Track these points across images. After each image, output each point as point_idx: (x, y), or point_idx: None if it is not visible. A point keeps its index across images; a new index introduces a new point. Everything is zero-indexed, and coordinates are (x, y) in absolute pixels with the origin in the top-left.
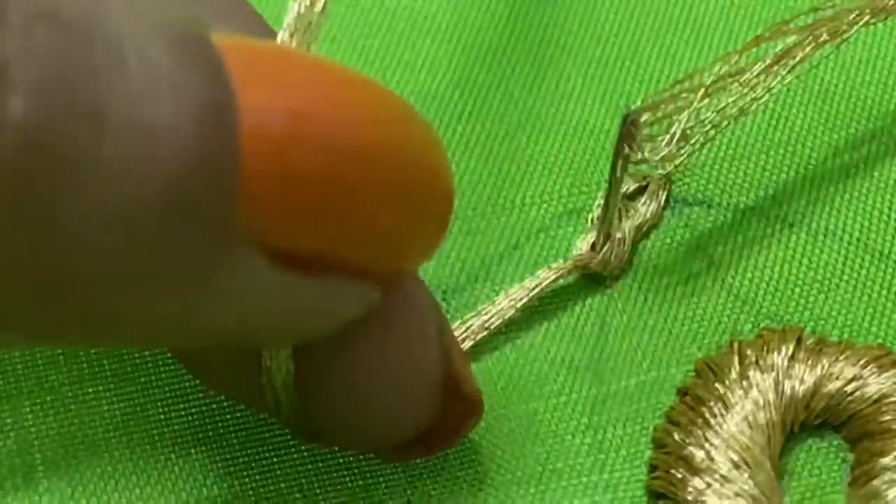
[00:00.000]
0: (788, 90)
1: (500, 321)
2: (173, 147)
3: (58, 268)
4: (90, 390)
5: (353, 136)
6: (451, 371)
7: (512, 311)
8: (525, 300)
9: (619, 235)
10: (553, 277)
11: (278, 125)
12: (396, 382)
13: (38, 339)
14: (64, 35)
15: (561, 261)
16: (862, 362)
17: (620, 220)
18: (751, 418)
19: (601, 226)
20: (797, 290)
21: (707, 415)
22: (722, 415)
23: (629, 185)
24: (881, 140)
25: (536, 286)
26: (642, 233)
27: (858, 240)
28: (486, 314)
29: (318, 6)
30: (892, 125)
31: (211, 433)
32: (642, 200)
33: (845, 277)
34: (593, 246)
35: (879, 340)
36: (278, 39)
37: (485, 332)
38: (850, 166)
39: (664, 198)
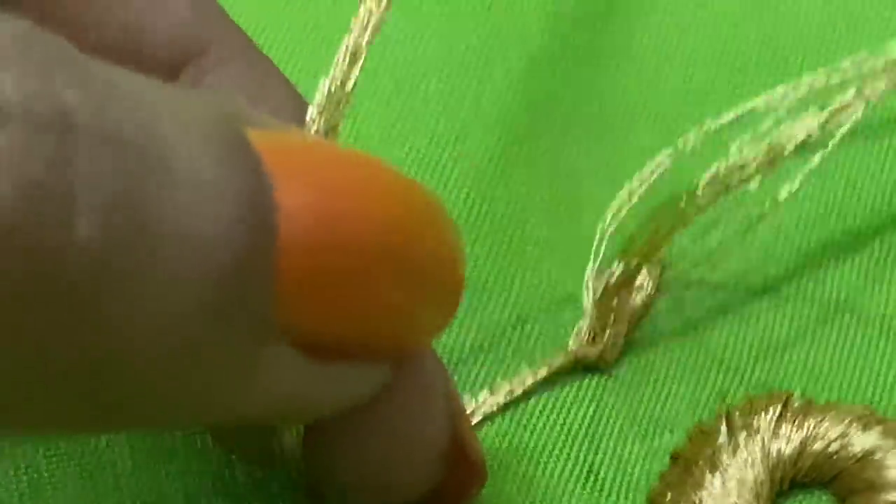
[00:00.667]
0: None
1: (494, 409)
2: (218, 255)
3: (103, 371)
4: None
5: (384, 234)
6: (458, 438)
7: (509, 398)
8: (523, 388)
9: (615, 331)
10: (552, 369)
11: (313, 227)
12: (403, 450)
13: (68, 431)
14: (125, 157)
15: (561, 356)
16: (847, 421)
17: (615, 311)
18: (738, 477)
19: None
20: (785, 357)
21: (697, 475)
22: (711, 474)
23: (624, 274)
24: (864, 206)
25: (534, 377)
26: (636, 320)
27: (845, 305)
28: (484, 400)
29: (348, 86)
30: (875, 191)
31: (221, 484)
32: (636, 290)
33: (832, 343)
34: (590, 338)
35: (866, 401)
36: (307, 116)
37: (480, 418)
38: (835, 233)
39: (657, 284)
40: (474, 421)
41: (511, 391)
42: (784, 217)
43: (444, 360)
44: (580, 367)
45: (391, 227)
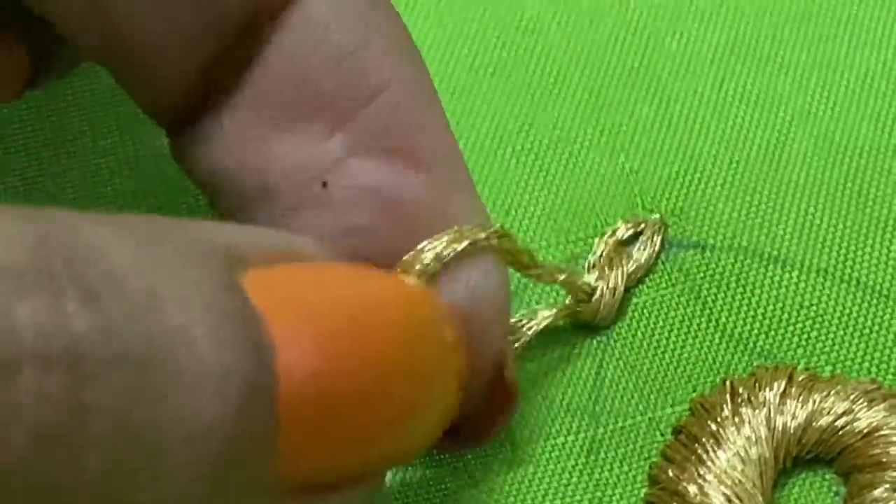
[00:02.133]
0: (783, 129)
1: None
2: (221, 439)
3: None
4: None
5: (384, 370)
6: (501, 364)
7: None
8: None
9: (611, 285)
10: (543, 321)
11: (311, 388)
12: None
13: None
14: (131, 376)
15: (554, 308)
16: (853, 397)
17: (613, 268)
18: (743, 453)
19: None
20: (790, 328)
21: (700, 451)
22: (714, 451)
23: (624, 231)
24: (875, 177)
25: (531, 323)
26: (635, 279)
27: (850, 276)
28: None
29: None
30: (885, 161)
31: None
32: (637, 246)
33: (837, 314)
34: (584, 296)
35: (871, 376)
36: None
37: None
38: (844, 202)
39: (659, 244)
40: None
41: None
42: (793, 189)
43: None
44: (580, 326)
45: (386, 359)
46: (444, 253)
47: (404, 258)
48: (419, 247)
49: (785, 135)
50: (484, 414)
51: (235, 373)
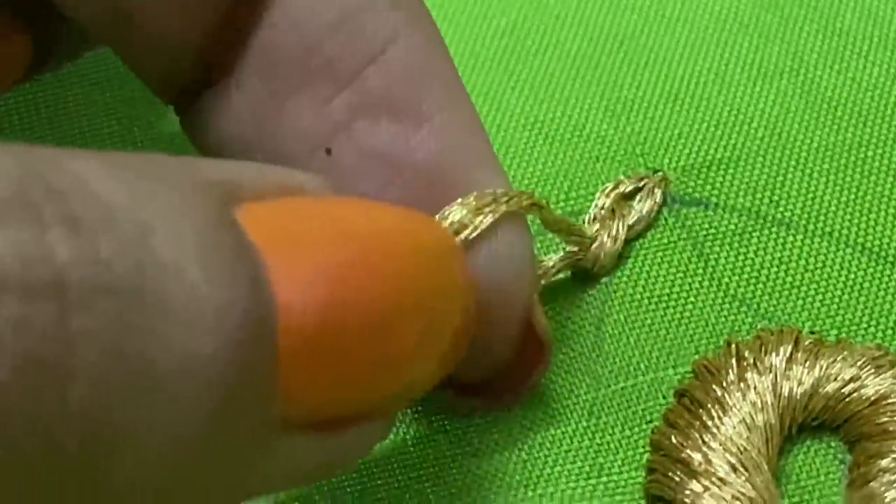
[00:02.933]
0: (786, 94)
1: None
2: (218, 376)
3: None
4: None
5: (385, 303)
6: (531, 317)
7: None
8: None
9: (611, 233)
10: (544, 270)
11: (313, 318)
12: (480, 330)
13: None
14: (120, 306)
15: (553, 256)
16: (860, 363)
17: (614, 218)
18: (748, 420)
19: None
20: (794, 290)
21: (704, 417)
22: (719, 417)
23: (626, 185)
24: (878, 143)
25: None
26: (637, 231)
27: (856, 241)
28: None
29: None
30: (888, 130)
31: None
32: (638, 198)
33: (842, 278)
34: (585, 243)
35: (877, 341)
36: None
37: None
38: (848, 168)
39: (660, 197)
40: None
41: None
42: (797, 152)
43: None
44: (580, 280)
45: (391, 293)
46: (467, 221)
47: None
48: (438, 215)
49: (787, 104)
50: (517, 368)
51: (231, 306)
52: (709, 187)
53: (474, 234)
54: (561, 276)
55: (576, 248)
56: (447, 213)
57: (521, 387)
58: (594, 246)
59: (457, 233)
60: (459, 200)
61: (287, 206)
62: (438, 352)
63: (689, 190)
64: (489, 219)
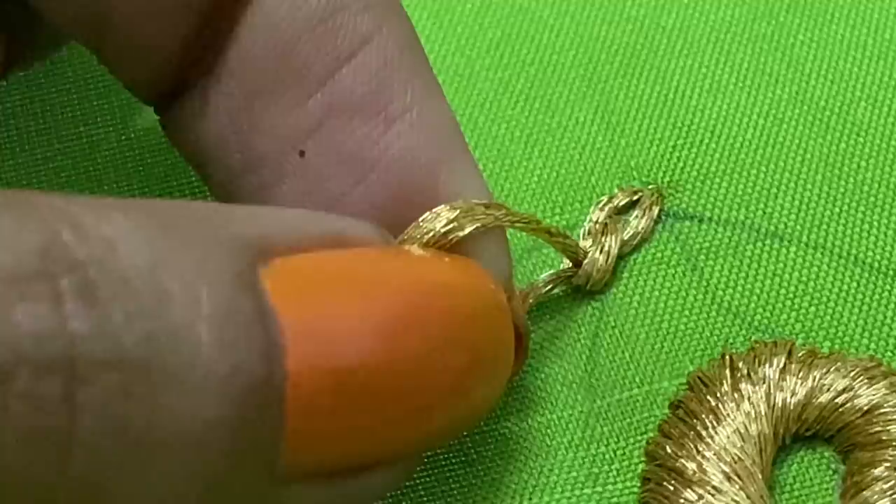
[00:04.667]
0: (780, 103)
1: None
2: (217, 438)
3: None
4: None
5: (404, 381)
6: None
7: None
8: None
9: (603, 249)
10: (540, 290)
11: (324, 388)
12: None
13: None
14: (124, 375)
15: (545, 274)
16: (853, 374)
17: (608, 233)
18: (742, 430)
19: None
20: (788, 302)
21: (699, 427)
22: (713, 427)
23: (620, 199)
24: (872, 154)
25: (525, 297)
26: (632, 246)
27: (849, 252)
28: None
29: None
30: (881, 140)
31: None
32: (633, 214)
33: (836, 290)
34: (578, 260)
35: (870, 352)
36: None
37: None
38: (841, 179)
39: (656, 212)
40: None
41: None
42: (791, 164)
43: None
44: (574, 296)
45: (422, 356)
46: (444, 230)
47: (404, 234)
48: (416, 222)
49: (781, 115)
50: None
51: (239, 372)
52: (703, 201)
53: (452, 243)
54: (556, 291)
55: (568, 265)
56: (426, 219)
57: None
58: (585, 263)
59: (436, 242)
60: (442, 207)
61: (320, 262)
62: (469, 410)
63: (683, 204)
64: (469, 229)
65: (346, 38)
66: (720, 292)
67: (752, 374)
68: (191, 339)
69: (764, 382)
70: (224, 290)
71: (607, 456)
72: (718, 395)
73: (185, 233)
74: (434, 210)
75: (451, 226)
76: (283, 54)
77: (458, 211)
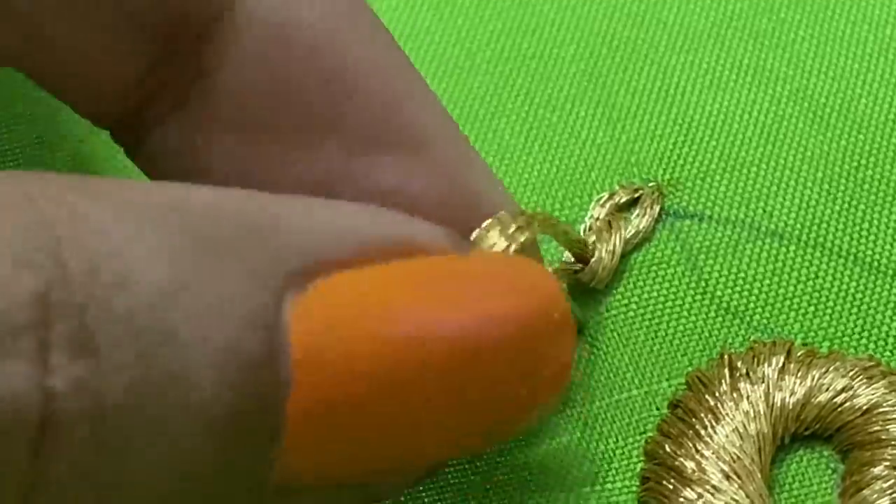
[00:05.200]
0: (780, 103)
1: None
2: (200, 478)
3: None
4: None
5: (424, 416)
6: None
7: None
8: None
9: (608, 247)
10: None
11: (325, 422)
12: None
13: None
14: (102, 427)
15: (549, 268)
16: (852, 373)
17: (611, 231)
18: (741, 429)
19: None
20: (787, 302)
21: (698, 426)
22: (713, 426)
23: (621, 196)
24: (872, 151)
25: None
26: (633, 245)
27: (849, 251)
28: None
29: None
30: (882, 138)
31: None
32: (634, 213)
33: (835, 289)
34: (582, 257)
35: (869, 352)
36: None
37: None
38: (841, 177)
39: (656, 211)
40: None
41: None
42: (791, 162)
43: None
44: (574, 295)
45: (463, 383)
46: (502, 245)
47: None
48: (471, 239)
49: (781, 111)
50: None
51: (235, 413)
52: (702, 198)
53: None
54: None
55: (573, 261)
56: (481, 235)
57: None
58: (592, 260)
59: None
60: (490, 222)
61: (368, 280)
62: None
63: (683, 203)
64: (522, 239)
65: (344, 70)
66: (719, 292)
67: (750, 373)
68: (188, 382)
69: (763, 382)
70: (237, 327)
71: (606, 455)
72: (717, 394)
73: (220, 250)
74: (483, 226)
75: (513, 239)
76: (277, 93)
77: (512, 224)
